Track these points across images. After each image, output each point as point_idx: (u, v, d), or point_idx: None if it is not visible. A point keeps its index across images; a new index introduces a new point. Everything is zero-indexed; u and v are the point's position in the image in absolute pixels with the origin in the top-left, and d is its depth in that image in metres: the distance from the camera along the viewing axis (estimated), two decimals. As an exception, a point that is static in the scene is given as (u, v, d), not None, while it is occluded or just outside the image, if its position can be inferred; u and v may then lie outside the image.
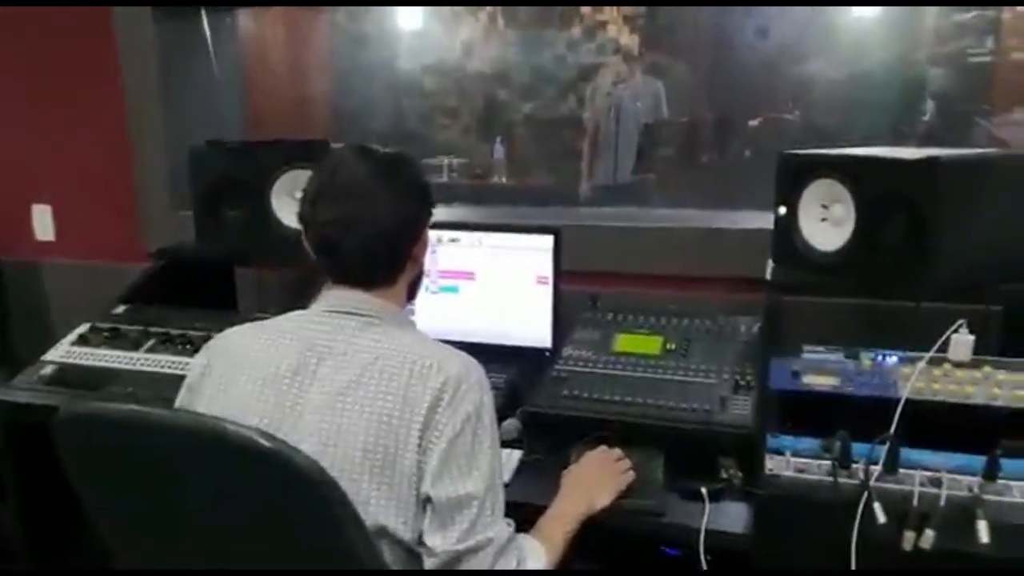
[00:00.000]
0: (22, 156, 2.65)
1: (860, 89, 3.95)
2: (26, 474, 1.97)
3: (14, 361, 2.14)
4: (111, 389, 1.77)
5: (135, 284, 2.15)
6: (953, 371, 1.41)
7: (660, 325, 1.83)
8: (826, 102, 4.06)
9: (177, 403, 1.20)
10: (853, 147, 1.68)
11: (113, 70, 2.47)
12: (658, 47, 4.50)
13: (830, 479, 1.25)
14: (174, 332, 1.91)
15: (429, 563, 1.07)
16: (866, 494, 1.19)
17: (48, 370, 1.83)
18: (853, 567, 1.19)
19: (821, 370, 1.48)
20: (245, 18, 3.02)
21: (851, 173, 1.51)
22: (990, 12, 3.87)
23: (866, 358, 1.49)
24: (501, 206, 3.61)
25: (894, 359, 1.48)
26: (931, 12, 4.04)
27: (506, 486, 1.42)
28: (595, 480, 1.37)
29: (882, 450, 1.24)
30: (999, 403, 1.35)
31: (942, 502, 1.19)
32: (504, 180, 4.85)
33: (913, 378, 1.38)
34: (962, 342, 1.43)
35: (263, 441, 0.87)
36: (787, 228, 1.62)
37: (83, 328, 1.97)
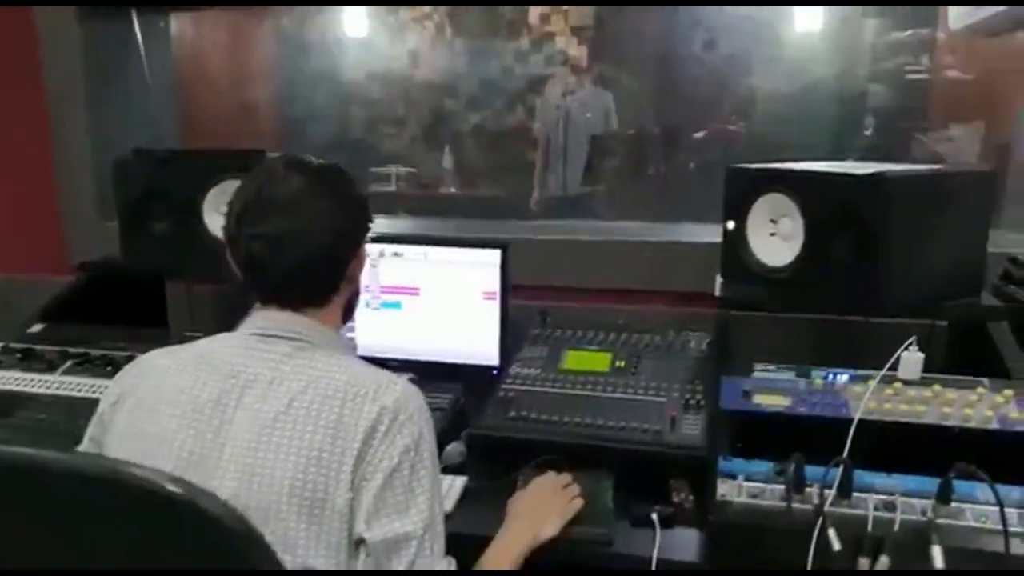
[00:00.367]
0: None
1: (804, 103, 4.01)
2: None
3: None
4: (21, 416, 1.64)
5: (55, 300, 2.02)
6: (904, 390, 1.40)
7: (609, 341, 1.79)
8: (770, 115, 4.11)
9: (86, 438, 1.10)
10: (798, 161, 1.67)
11: (36, 72, 2.34)
12: (606, 59, 4.51)
13: (783, 505, 1.21)
14: (95, 353, 1.79)
15: None
16: (820, 520, 1.16)
17: (-47, 396, 1.70)
18: (807, 595, 1.15)
19: (772, 389, 1.45)
20: (183, 22, 2.91)
21: (799, 188, 1.50)
22: (925, 30, 3.97)
23: (817, 377, 1.47)
24: (450, 217, 3.56)
25: (845, 377, 1.46)
26: (871, 29, 4.13)
27: (449, 516, 1.36)
28: (542, 509, 1.31)
29: (836, 473, 1.21)
30: (950, 422, 1.34)
31: (896, 527, 1.16)
32: (454, 190, 4.80)
33: (865, 398, 1.36)
34: (912, 360, 1.42)
35: (169, 486, 0.78)
36: (736, 243, 1.60)
37: (-7, 348, 1.84)
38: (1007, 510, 1.14)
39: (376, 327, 1.89)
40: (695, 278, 1.85)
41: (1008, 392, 1.38)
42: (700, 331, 1.77)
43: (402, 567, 0.98)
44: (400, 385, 1.06)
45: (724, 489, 1.26)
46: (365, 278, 1.84)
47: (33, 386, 1.72)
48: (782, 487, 1.23)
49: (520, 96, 4.68)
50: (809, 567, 1.14)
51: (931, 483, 1.20)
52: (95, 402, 1.13)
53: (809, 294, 1.50)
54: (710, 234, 1.75)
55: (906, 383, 1.41)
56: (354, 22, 4.49)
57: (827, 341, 1.69)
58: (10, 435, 1.56)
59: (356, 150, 4.72)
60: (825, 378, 1.46)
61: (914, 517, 1.18)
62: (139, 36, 2.46)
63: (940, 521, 1.17)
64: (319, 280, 1.13)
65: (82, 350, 1.80)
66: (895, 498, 1.19)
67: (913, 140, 3.48)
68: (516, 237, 1.99)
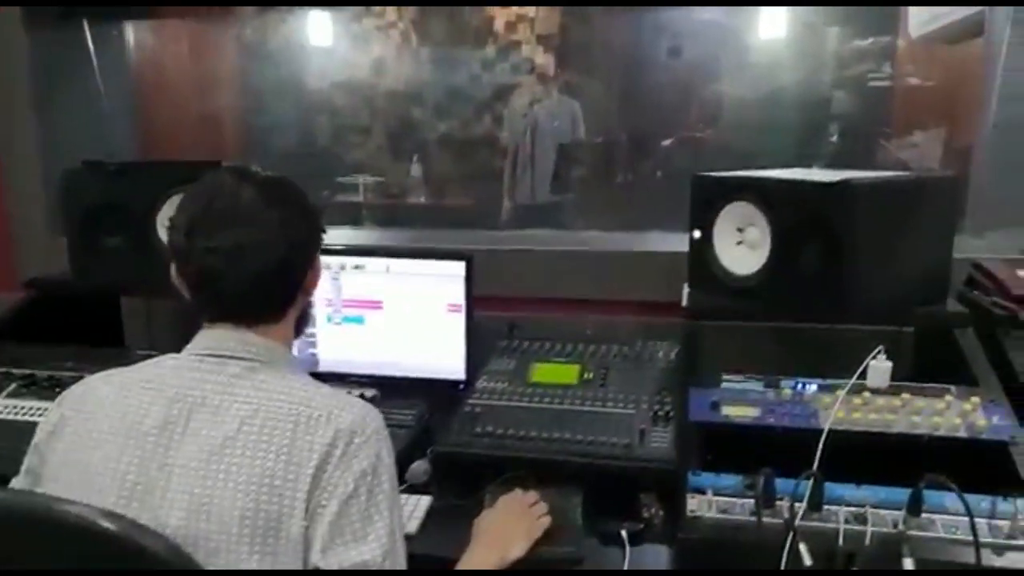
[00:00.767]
0: None
1: (770, 110, 4.04)
2: None
3: None
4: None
5: (0, 319, 1.94)
6: (873, 399, 1.39)
7: (578, 353, 1.77)
8: (737, 122, 4.13)
9: (23, 470, 1.04)
10: (765, 168, 1.66)
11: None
12: (572, 67, 4.51)
13: (753, 519, 1.19)
14: (41, 374, 1.71)
15: None
16: (791, 535, 1.14)
17: None
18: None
19: (741, 400, 1.43)
20: (142, 31, 2.84)
21: (765, 196, 1.49)
22: (886, 38, 4.03)
23: (786, 387, 1.45)
24: (418, 227, 3.52)
25: (814, 387, 1.44)
26: (834, 37, 4.18)
27: (413, 538, 1.33)
28: (508, 529, 1.27)
29: (806, 486, 1.19)
30: (920, 431, 1.33)
31: (867, 540, 1.14)
32: (423, 200, 4.76)
33: (834, 408, 1.34)
34: (880, 369, 1.41)
35: (105, 522, 0.73)
36: (702, 252, 1.59)
37: (-68, 371, 1.76)
38: (977, 520, 1.13)
39: (338, 342, 1.84)
40: (663, 287, 1.83)
41: (975, 399, 1.37)
42: (668, 341, 1.76)
43: None
44: (356, 406, 1.02)
45: (694, 504, 1.24)
46: (327, 292, 1.83)
47: (-27, 409, 1.64)
48: (752, 501, 1.21)
49: (487, 105, 4.65)
50: (781, 583, 1.12)
51: (902, 494, 1.18)
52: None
53: (776, 302, 1.49)
54: (678, 243, 1.74)
55: (875, 392, 1.40)
56: (318, 30, 4.44)
57: (795, 350, 1.68)
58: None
59: (321, 159, 4.67)
60: (794, 388, 1.45)
61: (885, 529, 1.16)
62: (91, 44, 2.39)
63: (911, 533, 1.15)
64: (275, 293, 1.09)
65: (28, 371, 1.73)
66: (866, 510, 1.17)
67: (878, 147, 3.52)
68: (482, 247, 1.95)
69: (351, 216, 4.15)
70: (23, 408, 1.64)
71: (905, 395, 1.39)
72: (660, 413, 1.51)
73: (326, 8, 4.02)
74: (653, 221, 2.36)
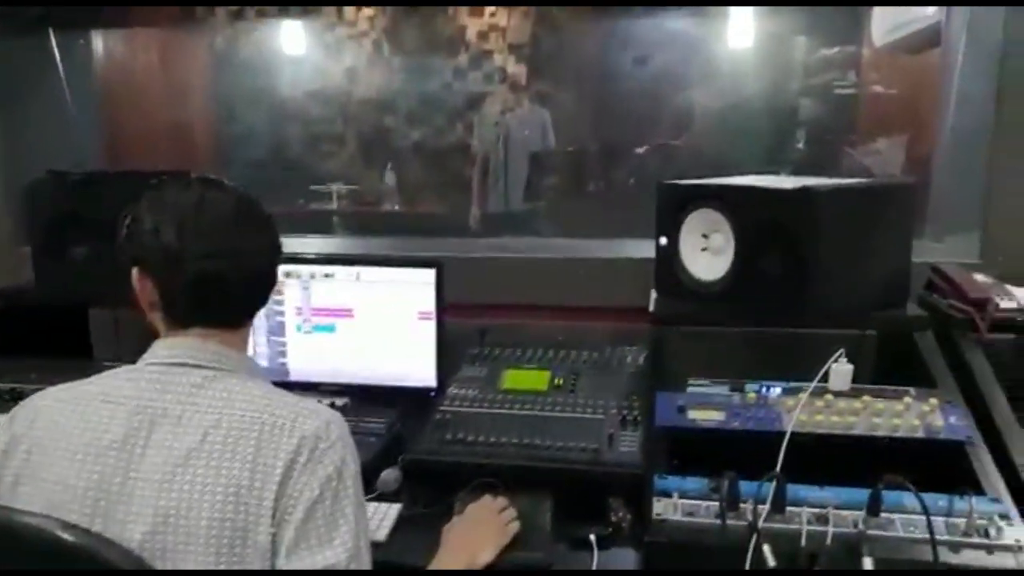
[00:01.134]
0: None
1: (740, 118, 4.10)
2: None
3: None
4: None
5: (-37, 332, 1.91)
6: (835, 401, 1.41)
7: (548, 359, 1.78)
8: (709, 130, 4.19)
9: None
10: (733, 175, 1.68)
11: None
12: (543, 76, 4.54)
13: (718, 522, 1.20)
14: (3, 386, 1.69)
15: None
16: (755, 536, 1.15)
17: None
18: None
19: (706, 404, 1.45)
20: (112, 40, 2.82)
21: (729, 203, 1.51)
22: (851, 47, 4.10)
23: (751, 390, 1.47)
24: (391, 235, 3.51)
25: (777, 391, 1.47)
26: (800, 46, 4.25)
27: (382, 545, 1.33)
28: (477, 535, 1.27)
29: (769, 488, 1.21)
30: (879, 432, 1.36)
31: (828, 540, 1.17)
32: (396, 208, 4.75)
33: (796, 412, 1.37)
34: (841, 372, 1.43)
35: (64, 535, 0.73)
36: (669, 258, 1.61)
37: None
38: (935, 518, 1.16)
39: (309, 351, 1.84)
40: (632, 293, 1.85)
41: (933, 401, 1.41)
42: (638, 346, 1.78)
43: None
44: (319, 412, 1.02)
45: (660, 507, 1.25)
46: (297, 300, 1.83)
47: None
48: (717, 504, 1.23)
49: (460, 113, 4.67)
50: (745, 584, 1.14)
51: (862, 494, 1.20)
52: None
53: (740, 307, 1.51)
54: (647, 249, 1.76)
55: (836, 395, 1.43)
56: (290, 39, 4.43)
57: (760, 353, 1.71)
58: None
59: (295, 168, 4.65)
60: (758, 391, 1.47)
61: (846, 529, 1.18)
62: (56, 53, 2.37)
63: (871, 532, 1.17)
64: (261, 297, 1.12)
65: (-13, 384, 1.71)
66: (828, 511, 1.20)
67: (843, 153, 3.59)
68: (453, 255, 1.96)
69: (324, 224, 4.15)
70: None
71: (866, 397, 1.42)
72: (629, 418, 1.53)
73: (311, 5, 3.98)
74: (625, 228, 2.38)
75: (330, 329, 1.83)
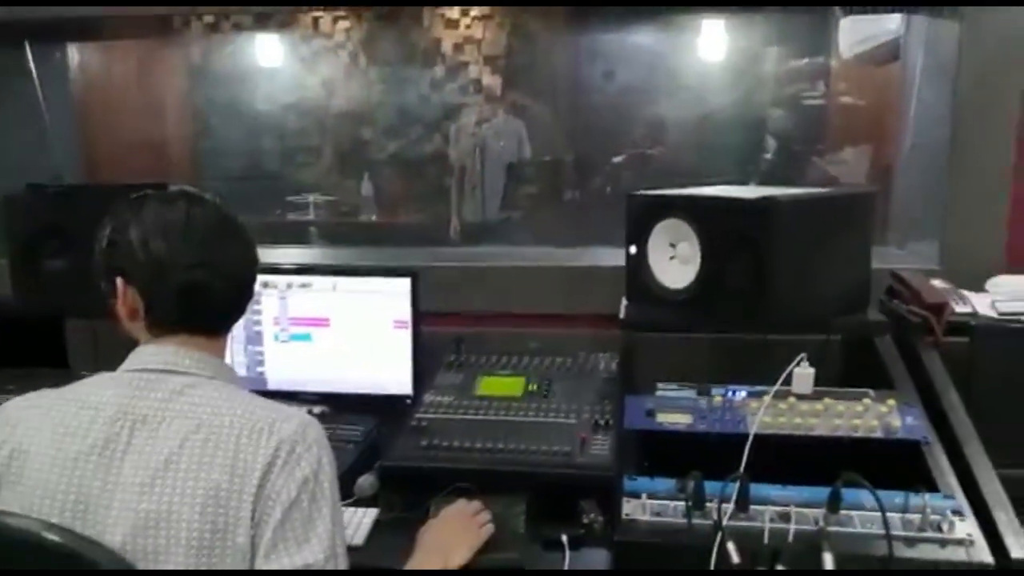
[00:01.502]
0: None
1: (714, 128, 4.17)
2: None
3: None
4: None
5: (-60, 344, 1.91)
6: (797, 404, 1.46)
7: (523, 365, 1.81)
8: (682, 141, 4.26)
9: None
10: (704, 185, 1.73)
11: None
12: (518, 88, 4.59)
13: (685, 521, 1.25)
14: (-20, 398, 1.69)
15: None
16: (720, 535, 1.20)
17: None
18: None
19: (674, 408, 1.50)
20: (89, 53, 2.83)
21: (695, 213, 1.56)
22: (820, 58, 4.20)
23: (717, 394, 1.52)
24: (369, 245, 3.54)
25: (743, 394, 1.51)
26: (771, 58, 4.33)
27: (359, 549, 1.35)
28: (451, 537, 1.30)
29: (734, 488, 1.25)
30: (840, 433, 1.41)
31: (790, 537, 1.21)
32: (374, 218, 4.77)
33: (760, 414, 1.41)
34: (804, 376, 1.48)
35: (48, 535, 0.75)
36: (638, 267, 1.65)
37: None
38: (891, 515, 1.21)
39: (286, 360, 1.86)
40: (605, 301, 1.89)
41: (891, 402, 1.46)
42: (610, 352, 1.81)
43: None
44: (296, 416, 1.05)
45: (629, 508, 1.29)
46: (274, 310, 1.85)
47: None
48: (684, 503, 1.27)
49: (436, 124, 4.71)
50: (709, 579, 1.18)
51: (823, 493, 1.25)
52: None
53: (706, 314, 1.55)
54: (619, 258, 1.80)
55: (799, 397, 1.48)
56: (267, 52, 4.45)
57: (727, 359, 1.75)
58: None
59: (272, 179, 4.66)
60: (724, 395, 1.52)
61: (807, 526, 1.23)
62: (32, 66, 2.38)
63: (831, 529, 1.22)
64: (239, 308, 1.16)
65: (-34, 395, 1.71)
66: (790, 509, 1.24)
67: (810, 163, 3.66)
68: (429, 264, 1.99)
69: (301, 235, 4.16)
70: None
71: (827, 400, 1.47)
72: (600, 422, 1.56)
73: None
74: (599, 237, 2.42)
75: (306, 338, 1.85)
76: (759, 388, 1.51)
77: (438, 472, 1.49)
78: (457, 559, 1.27)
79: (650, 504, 1.29)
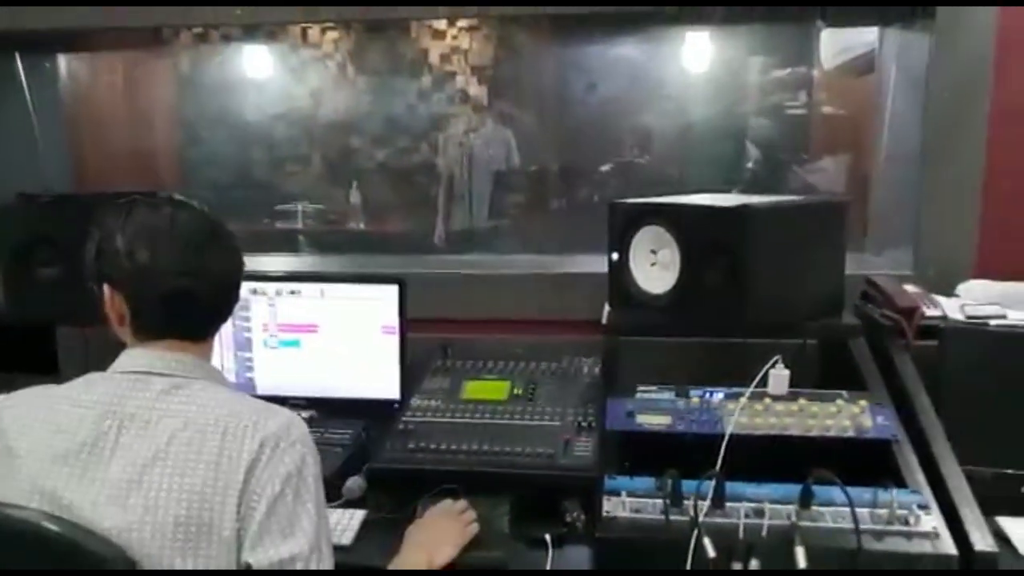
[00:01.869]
0: None
1: (698, 138, 4.22)
2: None
3: None
4: None
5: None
6: (772, 405, 1.51)
7: (508, 370, 1.85)
8: (669, 150, 4.31)
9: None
10: (688, 194, 1.78)
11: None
12: (505, 98, 4.64)
13: (663, 518, 1.29)
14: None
15: None
16: (696, 530, 1.24)
17: None
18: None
19: (654, 409, 1.54)
20: (77, 62, 2.85)
21: (674, 220, 1.60)
22: (803, 69, 4.26)
23: (695, 396, 1.56)
24: (357, 253, 3.57)
25: (720, 395, 1.56)
26: (754, 68, 4.39)
27: (347, 549, 1.39)
28: (437, 535, 1.34)
29: (710, 486, 1.30)
30: (813, 433, 1.45)
31: (764, 532, 1.26)
32: (362, 226, 4.79)
33: (736, 415, 1.46)
34: (779, 377, 1.53)
35: (48, 525, 0.79)
36: (620, 273, 1.69)
37: None
38: (860, 510, 1.25)
39: (275, 366, 1.89)
40: (589, 306, 1.93)
41: (863, 403, 1.51)
42: (593, 357, 1.86)
43: None
44: (281, 414, 1.09)
45: (609, 506, 1.33)
46: (263, 317, 1.88)
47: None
48: (662, 501, 1.31)
49: (424, 133, 4.74)
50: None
51: (795, 489, 1.30)
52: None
53: (686, 319, 1.60)
54: (602, 265, 1.84)
55: (774, 398, 1.53)
56: (255, 62, 4.48)
57: (706, 362, 1.80)
58: None
59: (261, 188, 4.67)
60: (702, 396, 1.56)
61: (780, 522, 1.28)
62: (22, 76, 2.40)
63: (803, 524, 1.27)
64: (225, 313, 1.19)
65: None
66: (763, 505, 1.29)
67: (790, 171, 3.72)
68: (417, 272, 2.02)
69: (289, 243, 4.19)
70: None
71: (802, 401, 1.52)
72: (583, 424, 1.61)
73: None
74: (585, 244, 2.46)
75: (295, 344, 1.89)
76: (736, 389, 1.55)
77: (425, 474, 1.53)
78: (442, 557, 1.30)
79: (630, 502, 1.33)
